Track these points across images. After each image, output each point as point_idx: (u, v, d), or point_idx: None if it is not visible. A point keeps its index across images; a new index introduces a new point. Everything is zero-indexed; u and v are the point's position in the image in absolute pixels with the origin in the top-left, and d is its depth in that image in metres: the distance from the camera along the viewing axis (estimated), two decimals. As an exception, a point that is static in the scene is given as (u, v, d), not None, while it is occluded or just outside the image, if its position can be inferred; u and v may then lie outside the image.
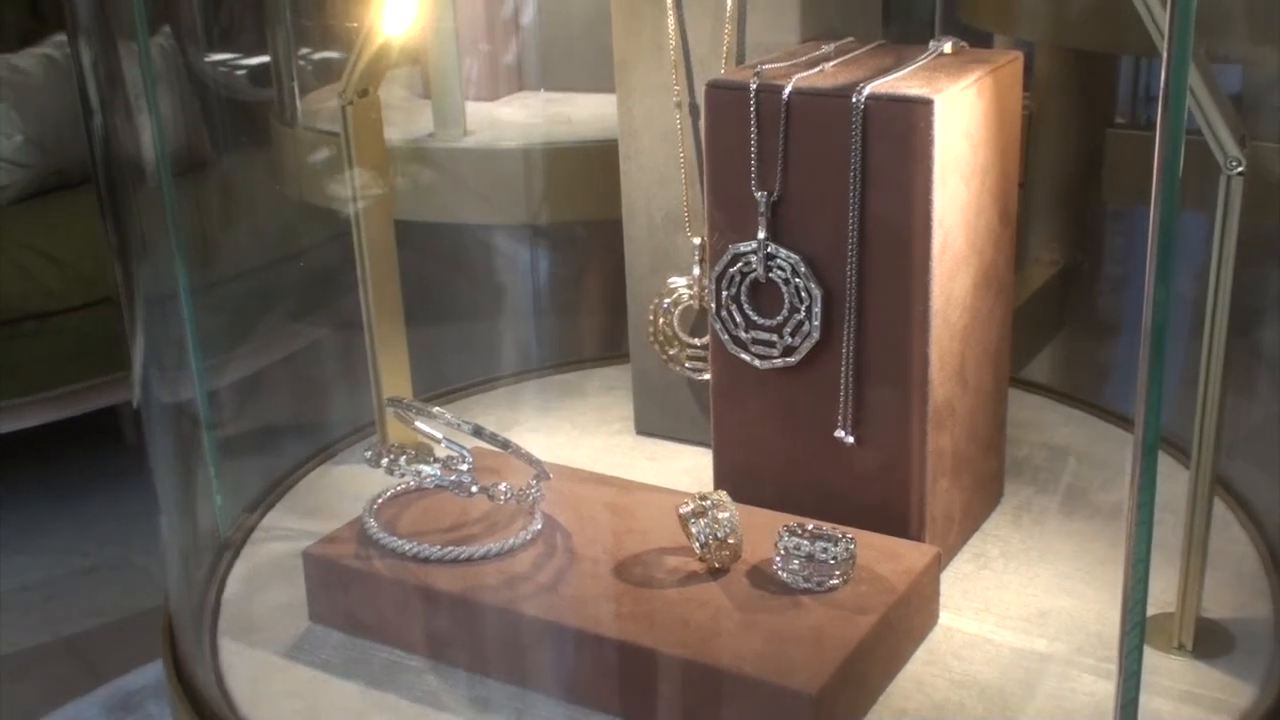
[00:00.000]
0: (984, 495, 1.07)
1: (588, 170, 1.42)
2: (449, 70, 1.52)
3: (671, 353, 1.18)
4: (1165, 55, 0.68)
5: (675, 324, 1.17)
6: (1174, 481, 0.93)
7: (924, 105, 0.89)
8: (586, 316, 1.58)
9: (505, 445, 0.98)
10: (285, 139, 1.65)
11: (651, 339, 1.18)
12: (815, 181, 0.94)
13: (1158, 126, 0.69)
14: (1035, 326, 1.50)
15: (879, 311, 0.94)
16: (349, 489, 1.17)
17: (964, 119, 0.93)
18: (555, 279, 1.71)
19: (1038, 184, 1.55)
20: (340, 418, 1.28)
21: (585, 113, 1.59)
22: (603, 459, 1.20)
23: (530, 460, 0.99)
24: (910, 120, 0.89)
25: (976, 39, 1.48)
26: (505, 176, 1.49)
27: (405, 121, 1.59)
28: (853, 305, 0.94)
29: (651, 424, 1.23)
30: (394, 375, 1.18)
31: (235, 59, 1.94)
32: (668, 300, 1.17)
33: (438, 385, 1.34)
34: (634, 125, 1.16)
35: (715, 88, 0.97)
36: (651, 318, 1.18)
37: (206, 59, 1.95)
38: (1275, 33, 1.18)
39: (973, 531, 1.06)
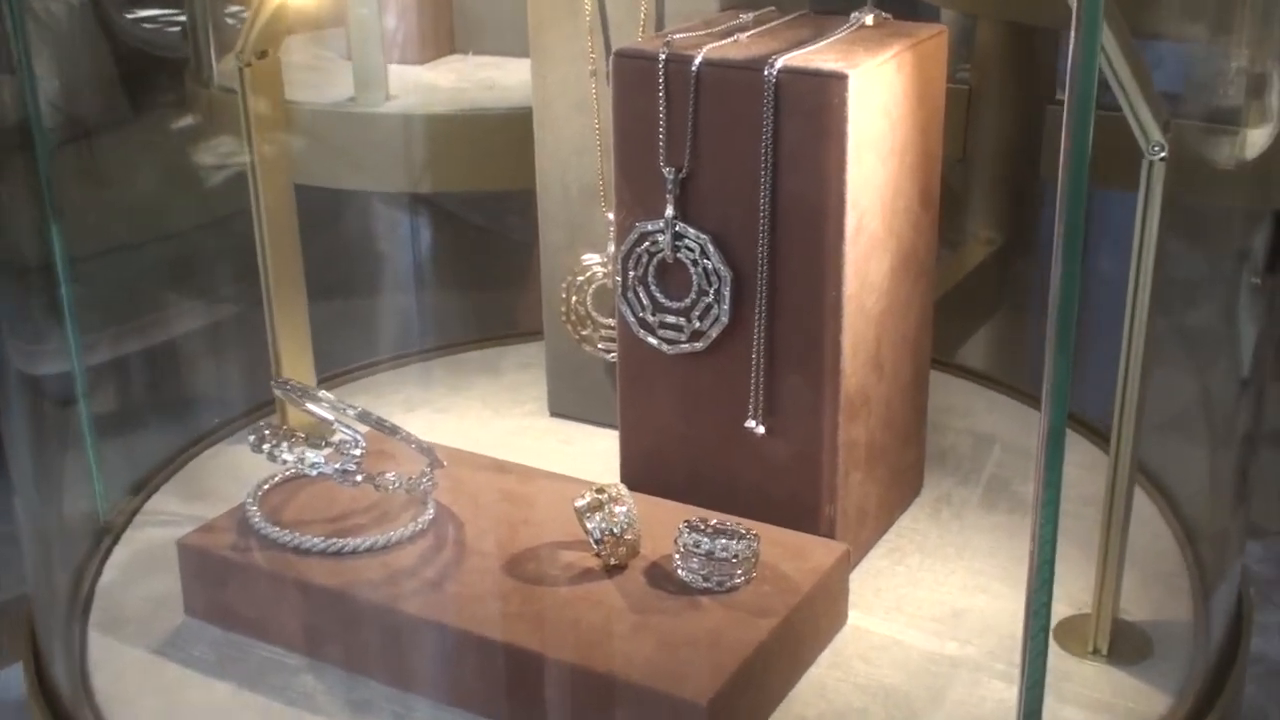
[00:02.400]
0: (901, 487, 1.02)
1: (511, 138, 1.33)
2: (370, 31, 1.45)
3: (585, 333, 1.13)
4: (1074, 29, 0.63)
5: (589, 303, 1.12)
6: (1098, 473, 0.88)
7: (838, 80, 0.84)
8: (507, 290, 1.53)
9: (394, 431, 0.92)
10: (201, 100, 1.58)
11: (564, 318, 1.13)
12: (725, 158, 0.89)
13: (1065, 105, 0.64)
14: (970, 308, 1.46)
15: (791, 295, 0.89)
16: (244, 471, 1.10)
17: (881, 95, 0.88)
18: (476, 250, 1.65)
19: (976, 160, 1.50)
20: (240, 395, 1.22)
21: (514, 78, 1.52)
22: (513, 441, 1.15)
23: (421, 448, 0.93)
24: (824, 95, 0.84)
25: (919, 11, 1.43)
26: (425, 144, 1.43)
27: (326, 84, 1.52)
28: (764, 288, 0.90)
29: (565, 405, 1.19)
30: (295, 350, 1.12)
31: (159, 14, 1.87)
32: (581, 278, 1.12)
33: (345, 361, 1.28)
34: (548, 94, 1.11)
35: (622, 57, 0.92)
36: (564, 296, 1.13)
37: (127, 15, 1.88)
38: (1206, 7, 1.13)
39: (888, 526, 1.01)
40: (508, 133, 1.37)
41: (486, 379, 1.27)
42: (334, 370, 1.27)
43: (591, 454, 1.12)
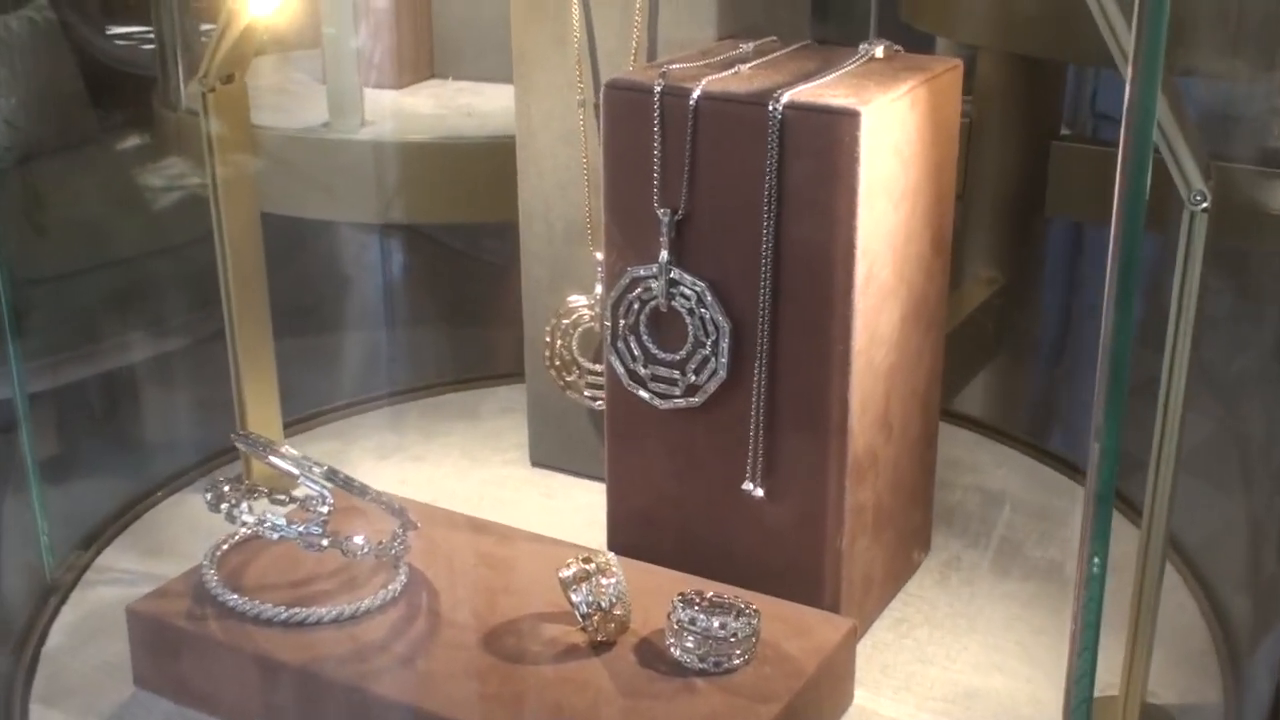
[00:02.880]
0: (908, 551, 0.96)
1: (491, 168, 1.30)
2: (345, 54, 1.39)
3: (569, 379, 1.07)
4: (1130, 76, 0.56)
5: (574, 347, 1.06)
6: (1116, 539, 0.81)
7: (849, 117, 0.78)
8: (488, 327, 1.45)
9: (363, 492, 0.85)
10: (168, 123, 1.51)
11: (548, 363, 1.07)
12: (726, 199, 0.83)
13: (1120, 147, 0.58)
14: (969, 352, 1.40)
15: (794, 349, 0.83)
16: (204, 523, 1.01)
17: (894, 133, 0.81)
18: (455, 284, 1.58)
19: (976, 196, 1.44)
20: (204, 436, 1.15)
21: (495, 104, 1.47)
22: (491, 493, 1.09)
23: (393, 509, 0.86)
24: (833, 133, 0.78)
25: (917, 41, 1.38)
26: (401, 172, 1.37)
27: (299, 109, 1.46)
28: (765, 341, 0.83)
29: (548, 455, 1.12)
30: (260, 391, 1.05)
31: (134, 31, 1.80)
32: (566, 321, 1.06)
33: (315, 402, 1.21)
34: (533, 125, 1.04)
35: (615, 89, 0.85)
36: (548, 339, 1.06)
37: (104, 32, 1.82)
38: (1245, 42, 1.07)
39: (894, 593, 0.95)
40: (488, 162, 1.33)
41: (465, 424, 1.20)
42: (303, 413, 1.20)
43: (575, 509, 1.05)
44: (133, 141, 1.58)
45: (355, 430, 1.19)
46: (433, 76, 1.58)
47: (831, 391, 0.83)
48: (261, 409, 1.05)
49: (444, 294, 1.57)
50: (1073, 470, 1.11)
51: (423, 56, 1.57)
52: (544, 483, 1.10)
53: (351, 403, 1.23)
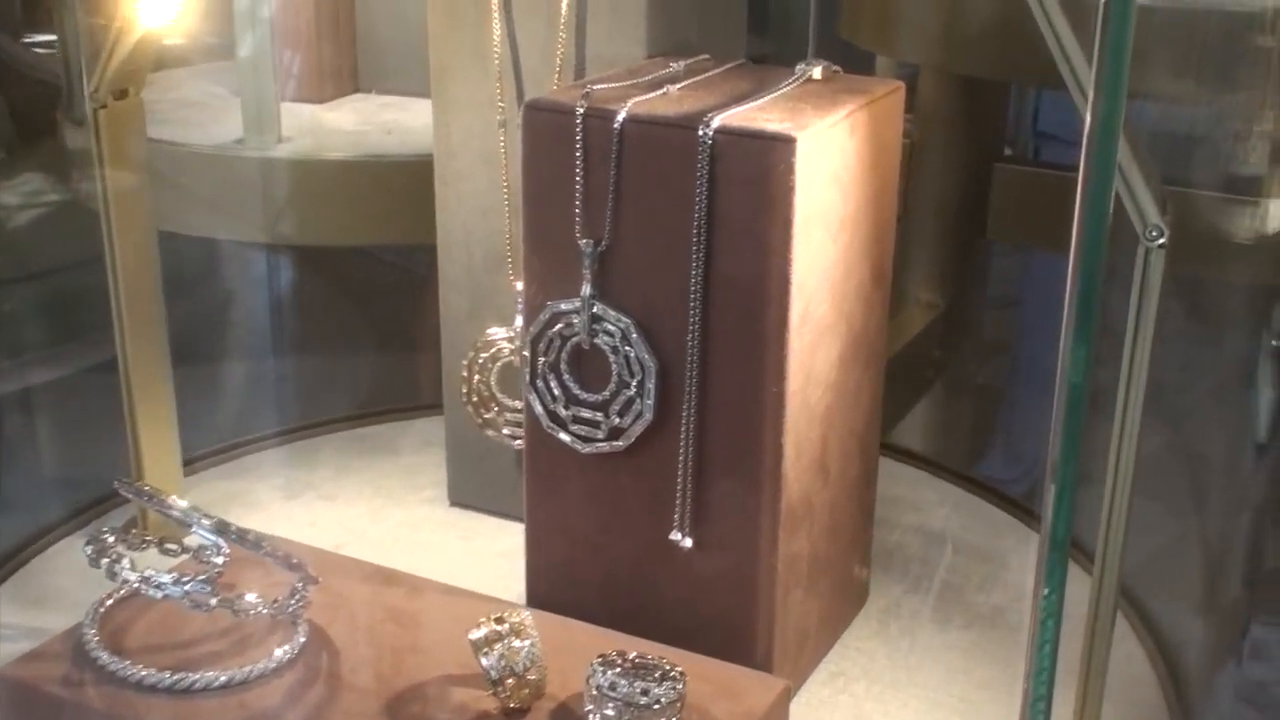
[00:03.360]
0: (845, 599, 0.91)
1: (412, 188, 1.22)
2: (261, 67, 1.32)
3: (488, 416, 1.01)
4: (1090, 106, 0.51)
5: (493, 383, 1.00)
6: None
7: (784, 143, 0.73)
8: (409, 357, 1.39)
9: (257, 545, 0.79)
10: (75, 138, 1.43)
11: (465, 398, 1.01)
12: (652, 229, 0.77)
13: (1080, 184, 0.54)
14: (907, 381, 1.35)
15: (725, 390, 0.78)
16: (96, 572, 0.95)
17: (832, 160, 0.76)
18: (375, 312, 1.52)
19: (916, 218, 1.40)
20: (100, 476, 1.08)
21: (419, 121, 1.39)
22: (407, 536, 1.03)
23: (290, 564, 0.79)
24: (767, 161, 0.73)
25: (857, 60, 1.33)
26: (320, 191, 1.30)
27: (213, 124, 1.39)
28: (694, 382, 0.78)
29: (467, 494, 1.06)
30: (156, 426, 0.98)
31: (46, 40, 1.73)
32: (485, 355, 1.00)
33: (219, 437, 1.15)
34: (452, 144, 0.99)
35: (535, 109, 0.80)
36: (466, 374, 1.00)
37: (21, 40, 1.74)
38: (1199, 63, 1.03)
39: (831, 645, 0.90)
40: (410, 182, 1.25)
41: (381, 460, 1.14)
42: (208, 447, 1.13)
43: (496, 554, 1.00)
44: (46, 152, 1.50)
45: (263, 467, 1.13)
46: (356, 90, 1.52)
47: (764, 435, 0.78)
48: (158, 445, 0.98)
49: (364, 320, 1.51)
50: (1015, 506, 1.07)
51: (345, 69, 1.51)
52: (464, 524, 1.04)
53: (260, 437, 1.16)
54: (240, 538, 0.78)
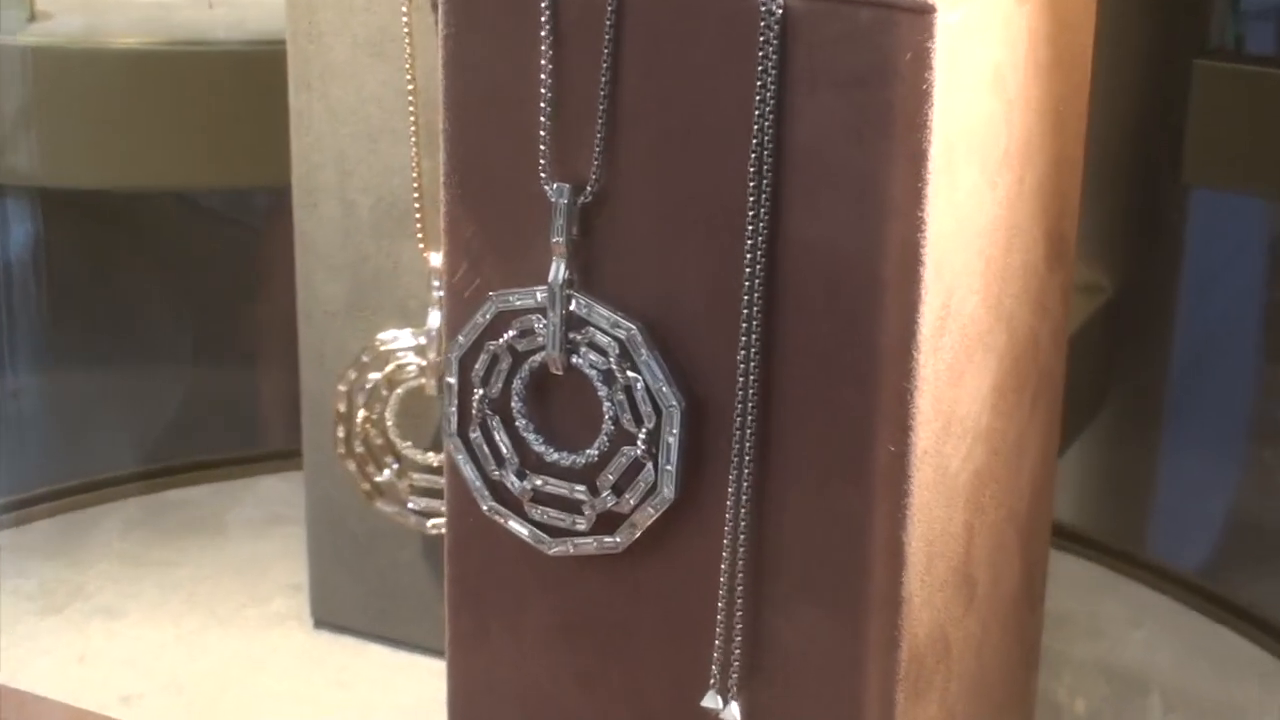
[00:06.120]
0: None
1: (249, 95, 1.32)
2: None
3: (380, 480, 1.03)
4: None
5: (389, 423, 1.04)
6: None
7: (916, 16, 0.67)
8: (242, 373, 1.43)
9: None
10: None
11: (342, 448, 1.04)
12: (676, 168, 0.72)
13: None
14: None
15: (803, 448, 0.72)
16: None
17: (994, 52, 0.73)
18: (183, 297, 1.52)
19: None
20: None
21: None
22: (242, 681, 1.06)
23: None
24: (885, 45, 0.67)
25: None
26: (92, 103, 1.34)
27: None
28: (749, 434, 0.72)
29: (342, 609, 1.10)
30: None
31: None
32: (376, 375, 1.03)
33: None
34: (317, 21, 1.03)
35: (467, -44, 0.77)
36: (342, 407, 1.03)
37: None
38: None
39: None
40: (243, 84, 1.33)
41: (199, 547, 1.19)
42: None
43: (390, 712, 0.96)
44: None
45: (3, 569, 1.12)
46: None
47: (873, 527, 0.72)
48: None
49: (166, 311, 1.51)
50: (1261, 627, 1.08)
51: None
52: (336, 656, 1.07)
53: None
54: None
